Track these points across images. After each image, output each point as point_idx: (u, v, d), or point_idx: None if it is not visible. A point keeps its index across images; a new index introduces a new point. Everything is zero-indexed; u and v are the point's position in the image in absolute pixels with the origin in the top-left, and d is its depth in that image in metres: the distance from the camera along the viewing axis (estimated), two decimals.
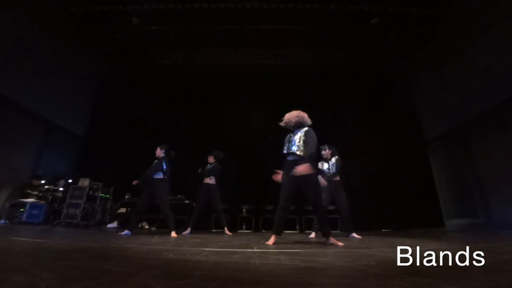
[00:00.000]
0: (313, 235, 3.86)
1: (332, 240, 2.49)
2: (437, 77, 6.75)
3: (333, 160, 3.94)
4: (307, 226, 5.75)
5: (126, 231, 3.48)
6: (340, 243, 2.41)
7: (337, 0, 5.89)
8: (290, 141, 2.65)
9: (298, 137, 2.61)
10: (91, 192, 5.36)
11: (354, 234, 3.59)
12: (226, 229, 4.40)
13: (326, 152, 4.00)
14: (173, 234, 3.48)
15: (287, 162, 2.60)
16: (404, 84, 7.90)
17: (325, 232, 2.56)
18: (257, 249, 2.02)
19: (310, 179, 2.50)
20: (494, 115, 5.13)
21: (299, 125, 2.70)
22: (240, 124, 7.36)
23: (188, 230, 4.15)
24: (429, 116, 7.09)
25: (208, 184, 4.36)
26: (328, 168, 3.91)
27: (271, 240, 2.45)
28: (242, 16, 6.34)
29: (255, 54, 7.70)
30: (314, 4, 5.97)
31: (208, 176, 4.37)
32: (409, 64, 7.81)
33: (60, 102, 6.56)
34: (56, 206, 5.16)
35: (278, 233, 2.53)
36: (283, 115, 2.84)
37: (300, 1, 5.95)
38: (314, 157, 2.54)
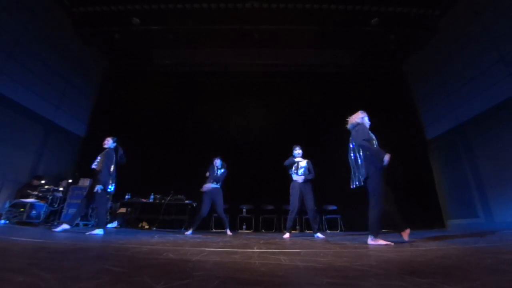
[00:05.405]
0: (287, 235, 3.81)
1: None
2: (437, 77, 6.75)
3: (306, 160, 4.09)
4: (307, 226, 5.85)
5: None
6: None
7: (337, 0, 5.89)
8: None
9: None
10: None
11: (319, 234, 3.70)
12: (228, 229, 4.51)
13: (300, 152, 4.14)
14: (98, 231, 3.41)
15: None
16: (404, 84, 7.89)
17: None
18: (257, 249, 2.02)
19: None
20: (494, 115, 5.13)
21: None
22: (240, 124, 7.36)
23: (190, 231, 4.21)
24: (429, 116, 7.09)
25: (214, 187, 4.46)
26: (303, 168, 3.99)
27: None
28: (242, 16, 6.33)
29: (255, 54, 7.69)
30: (314, 4, 5.96)
31: (218, 182, 4.50)
32: (409, 64, 7.81)
33: (60, 102, 6.56)
34: (56, 206, 5.16)
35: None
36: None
37: (300, 1, 5.94)
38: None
